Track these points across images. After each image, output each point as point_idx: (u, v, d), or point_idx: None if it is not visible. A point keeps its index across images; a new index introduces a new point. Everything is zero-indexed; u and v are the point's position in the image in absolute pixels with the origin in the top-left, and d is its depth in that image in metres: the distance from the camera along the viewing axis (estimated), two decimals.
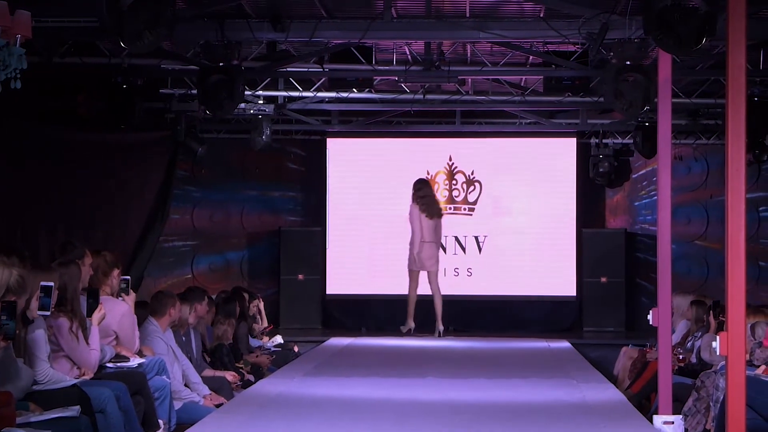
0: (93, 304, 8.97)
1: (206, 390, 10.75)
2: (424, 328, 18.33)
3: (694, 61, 14.35)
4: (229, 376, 11.61)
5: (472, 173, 19.43)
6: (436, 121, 19.14)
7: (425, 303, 19.01)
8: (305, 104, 16.81)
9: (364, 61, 14.44)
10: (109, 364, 9.31)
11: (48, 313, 8.03)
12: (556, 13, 12.23)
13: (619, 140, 19.37)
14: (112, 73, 14.35)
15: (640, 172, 19.80)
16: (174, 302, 10.78)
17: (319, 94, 16.21)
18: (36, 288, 7.93)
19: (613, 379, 13.38)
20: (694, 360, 11.77)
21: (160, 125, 16.87)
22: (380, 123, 18.74)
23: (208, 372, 11.40)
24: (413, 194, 17.00)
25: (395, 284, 18.61)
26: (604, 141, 19.08)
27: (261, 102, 16.57)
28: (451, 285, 19.15)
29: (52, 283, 8.00)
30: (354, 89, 15.93)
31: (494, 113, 18.63)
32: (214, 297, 13.13)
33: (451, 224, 19.27)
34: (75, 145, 14.45)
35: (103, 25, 10.35)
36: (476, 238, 19.37)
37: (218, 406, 10.44)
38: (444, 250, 19.10)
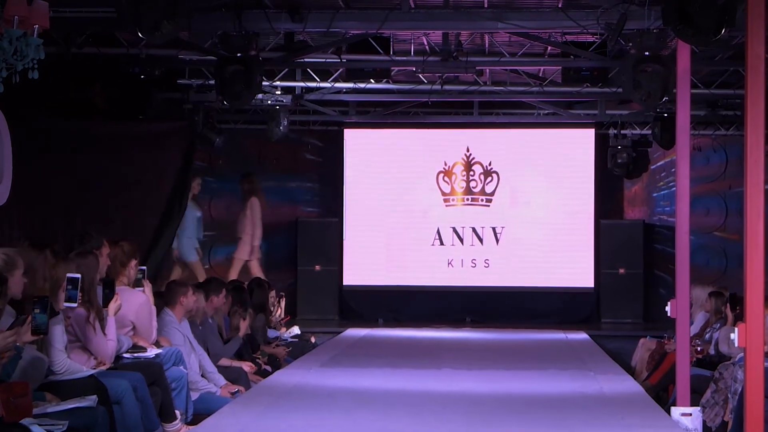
0: (109, 294, 8.97)
1: (222, 380, 10.76)
2: (441, 317, 18.37)
3: (712, 52, 14.28)
4: (246, 366, 11.62)
5: (490, 164, 19.39)
6: (454, 112, 19.10)
7: (439, 294, 19.08)
8: (323, 95, 16.79)
9: (381, 51, 14.42)
10: (126, 355, 9.31)
11: (75, 305, 8.05)
12: (574, 3, 12.19)
13: (638, 131, 19.30)
14: (129, 63, 14.36)
15: (659, 163, 19.74)
16: (185, 291, 10.73)
17: (337, 85, 16.18)
18: (62, 279, 7.95)
19: (631, 371, 13.36)
20: (712, 352, 11.73)
21: (177, 116, 16.86)
22: (398, 114, 18.71)
23: (225, 361, 11.40)
24: (252, 188, 18.39)
25: (412, 275, 18.63)
26: (622, 132, 19.01)
27: (278, 93, 16.55)
28: (469, 276, 19.16)
29: (79, 276, 8.03)
30: (371, 80, 15.90)
31: (512, 104, 18.58)
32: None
33: (468, 215, 19.29)
34: (92, 135, 14.46)
35: (120, 15, 10.38)
36: (494, 229, 19.33)
37: (234, 394, 10.46)
38: (461, 240, 19.16)
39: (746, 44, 6.60)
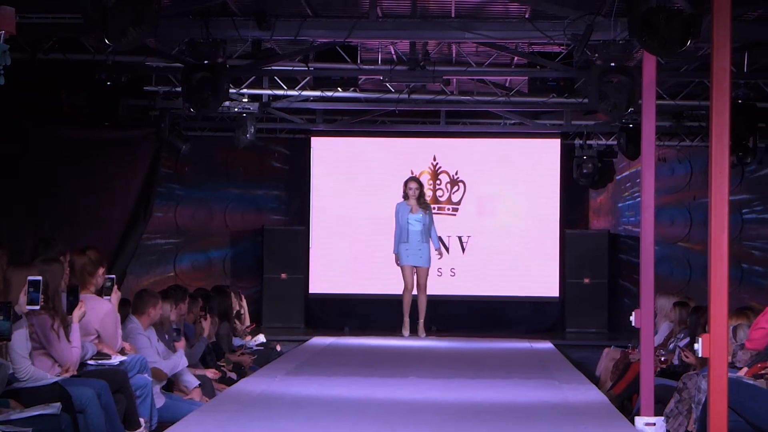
0: (73, 301, 8.94)
1: (195, 381, 10.77)
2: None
3: (678, 63, 14.37)
4: (209, 373, 11.59)
5: (456, 173, 19.43)
6: (421, 121, 19.14)
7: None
8: (290, 103, 16.78)
9: (349, 60, 14.42)
10: (91, 362, 9.27)
11: (37, 307, 8.01)
12: (541, 14, 12.24)
13: (603, 141, 19.40)
14: (96, 69, 14.32)
15: (624, 174, 19.83)
16: (156, 301, 10.73)
17: (304, 93, 16.18)
18: (23, 283, 7.91)
19: (596, 380, 13.38)
20: (676, 361, 11.77)
21: (144, 122, 16.83)
22: (365, 122, 18.73)
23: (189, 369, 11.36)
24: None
25: (378, 284, 18.63)
26: (588, 142, 19.11)
27: (245, 100, 16.53)
28: (435, 285, 19.12)
29: (40, 278, 7.99)
30: (339, 88, 15.89)
31: (479, 113, 18.63)
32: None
33: (435, 224, 19.28)
34: (59, 141, 14.42)
35: (87, 21, 10.33)
36: (460, 238, 19.37)
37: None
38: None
39: (711, 56, 6.64)
